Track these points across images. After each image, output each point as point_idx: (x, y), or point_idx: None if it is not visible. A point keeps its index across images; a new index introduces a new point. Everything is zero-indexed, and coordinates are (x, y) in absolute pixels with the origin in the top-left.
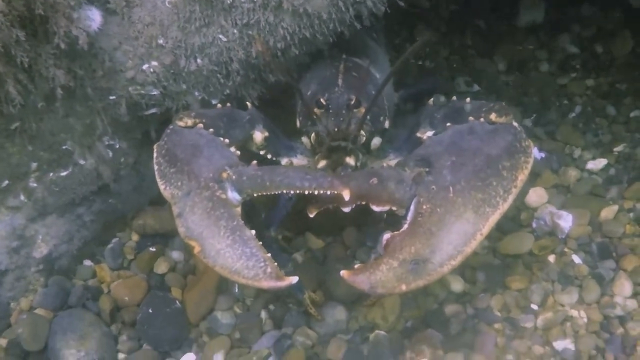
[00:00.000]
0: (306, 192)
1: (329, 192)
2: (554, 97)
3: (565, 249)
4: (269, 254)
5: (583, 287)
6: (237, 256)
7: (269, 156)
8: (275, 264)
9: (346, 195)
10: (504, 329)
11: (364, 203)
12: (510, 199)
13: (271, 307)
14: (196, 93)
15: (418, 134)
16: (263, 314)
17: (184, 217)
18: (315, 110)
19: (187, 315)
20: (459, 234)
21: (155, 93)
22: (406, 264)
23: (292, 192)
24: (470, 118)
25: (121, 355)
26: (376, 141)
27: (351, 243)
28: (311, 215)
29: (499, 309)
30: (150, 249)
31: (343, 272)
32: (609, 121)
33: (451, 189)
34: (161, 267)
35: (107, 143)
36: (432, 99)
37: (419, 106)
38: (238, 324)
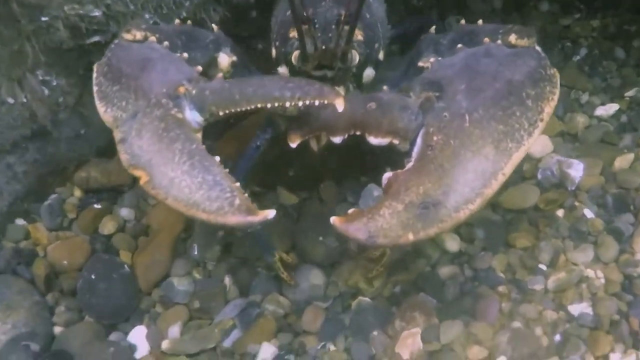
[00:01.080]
0: (287, 105)
1: (317, 103)
2: (556, 39)
3: (576, 203)
4: (238, 183)
5: (598, 243)
6: (196, 185)
7: None
8: (246, 194)
9: (340, 104)
10: (509, 292)
11: (358, 133)
12: (536, 133)
13: (237, 271)
14: (146, 15)
15: (420, 64)
16: (227, 280)
17: (129, 142)
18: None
19: (138, 281)
20: (476, 173)
21: (96, 14)
22: (413, 207)
23: (269, 105)
24: (486, 40)
25: (57, 329)
26: (369, 72)
27: (329, 199)
28: (293, 145)
29: (502, 270)
30: (95, 205)
31: (334, 219)
32: (618, 64)
33: (467, 117)
34: (107, 227)
35: (41, 78)
36: (433, 27)
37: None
38: (197, 291)
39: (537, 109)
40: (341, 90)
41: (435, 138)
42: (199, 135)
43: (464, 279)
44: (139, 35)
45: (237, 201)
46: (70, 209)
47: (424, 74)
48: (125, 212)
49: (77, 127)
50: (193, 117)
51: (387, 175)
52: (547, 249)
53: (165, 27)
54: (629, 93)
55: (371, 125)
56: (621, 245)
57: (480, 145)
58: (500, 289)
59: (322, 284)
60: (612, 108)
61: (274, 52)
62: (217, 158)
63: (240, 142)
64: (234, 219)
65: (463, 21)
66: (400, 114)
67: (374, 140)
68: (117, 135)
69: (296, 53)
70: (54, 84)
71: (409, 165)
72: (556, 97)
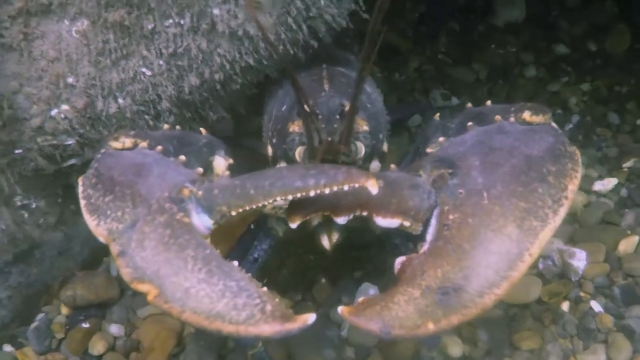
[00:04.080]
0: (312, 194)
1: (346, 187)
2: (545, 106)
3: (581, 294)
4: (265, 288)
5: (609, 343)
6: (218, 293)
7: None
8: (277, 299)
9: (373, 187)
10: None
11: (364, 213)
12: (562, 212)
13: None
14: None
15: (428, 150)
16: None
17: (129, 254)
18: (297, 123)
19: None
20: (500, 254)
21: (70, 143)
22: (432, 293)
23: (290, 197)
24: (497, 118)
25: None
26: (375, 165)
27: (323, 300)
28: (293, 225)
29: None
30: (83, 325)
31: (343, 310)
32: (613, 131)
33: (485, 194)
34: (97, 347)
35: (20, 204)
36: (437, 114)
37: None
38: None
39: (560, 186)
40: None
41: (451, 217)
42: (209, 241)
43: None
44: (128, 142)
45: (269, 307)
46: (58, 329)
47: (434, 152)
48: (114, 329)
49: (59, 245)
50: (201, 221)
51: (400, 259)
52: (555, 351)
53: (155, 133)
54: (627, 164)
55: (379, 204)
56: (634, 344)
57: (502, 223)
58: None
59: None
60: (610, 183)
61: (270, 150)
62: (236, 263)
63: (228, 236)
64: (268, 328)
65: (469, 104)
66: (410, 192)
67: (382, 221)
68: (115, 249)
69: (300, 149)
70: (33, 206)
71: (424, 247)
72: (579, 176)
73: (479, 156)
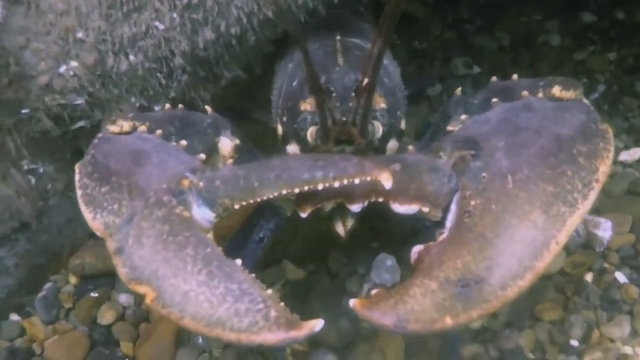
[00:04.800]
0: (320, 187)
1: (357, 181)
2: (571, 76)
3: (606, 265)
4: (269, 290)
5: (635, 314)
6: (219, 298)
7: None
8: (282, 303)
9: (387, 180)
10: None
11: (380, 200)
12: (592, 196)
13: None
14: (132, 99)
15: (449, 127)
16: None
17: (126, 252)
18: (308, 101)
19: None
20: (524, 243)
21: (79, 102)
22: (451, 285)
23: (297, 190)
24: (524, 93)
25: None
26: (392, 144)
27: (338, 271)
28: (303, 215)
29: (530, 349)
30: (92, 294)
31: (354, 303)
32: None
33: (509, 177)
34: (106, 317)
35: (27, 168)
36: (459, 89)
37: None
38: None
39: (591, 168)
40: None
41: (473, 202)
42: (211, 236)
43: None
44: (126, 125)
45: (273, 313)
46: (66, 298)
47: (456, 132)
48: (124, 299)
49: (67, 212)
50: (202, 214)
51: (417, 248)
52: (578, 322)
53: (155, 115)
54: None
55: (396, 190)
56: None
57: (527, 210)
58: None
59: None
60: (637, 153)
61: (280, 129)
62: (239, 261)
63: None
64: (272, 336)
65: (494, 78)
66: (429, 176)
67: (399, 207)
68: (111, 245)
69: (312, 129)
70: (41, 171)
71: (443, 235)
72: (611, 156)
73: (504, 136)
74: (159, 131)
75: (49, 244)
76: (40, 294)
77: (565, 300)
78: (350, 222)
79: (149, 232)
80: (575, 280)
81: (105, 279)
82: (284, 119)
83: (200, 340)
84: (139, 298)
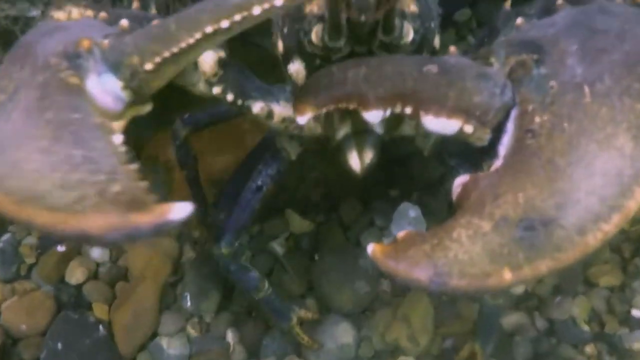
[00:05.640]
0: (256, 14)
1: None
2: None
3: None
4: (134, 165)
5: None
6: (52, 165)
7: (229, 97)
8: (145, 183)
9: None
10: (600, 353)
11: (408, 110)
12: None
13: (242, 325)
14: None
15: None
16: (230, 336)
17: None
18: (315, 2)
19: (117, 346)
20: (608, 176)
21: (34, 14)
22: (509, 227)
23: (225, 25)
24: None
25: None
26: None
27: (352, 223)
28: (301, 119)
29: (586, 320)
30: (58, 247)
31: (374, 250)
32: None
33: (587, 89)
34: (76, 275)
35: None
36: (507, 1)
37: None
38: (194, 354)
39: None
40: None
41: (538, 119)
42: (117, 126)
43: (537, 333)
44: (75, 12)
45: (116, 188)
46: (27, 252)
47: (511, 36)
48: (97, 254)
49: None
50: (105, 85)
51: (461, 180)
52: None
53: (117, 10)
54: None
55: (430, 96)
56: None
57: (611, 132)
58: (588, 349)
59: (352, 342)
60: None
61: (280, 46)
62: (119, 137)
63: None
64: (99, 219)
65: None
66: (476, 83)
67: (433, 122)
68: None
69: (317, 27)
70: None
71: (497, 164)
72: None
73: (577, 40)
74: (124, 22)
75: None
76: None
77: (623, 263)
78: (369, 154)
79: (21, 103)
80: (634, 238)
81: None
82: (285, 30)
83: (188, 303)
84: (117, 252)
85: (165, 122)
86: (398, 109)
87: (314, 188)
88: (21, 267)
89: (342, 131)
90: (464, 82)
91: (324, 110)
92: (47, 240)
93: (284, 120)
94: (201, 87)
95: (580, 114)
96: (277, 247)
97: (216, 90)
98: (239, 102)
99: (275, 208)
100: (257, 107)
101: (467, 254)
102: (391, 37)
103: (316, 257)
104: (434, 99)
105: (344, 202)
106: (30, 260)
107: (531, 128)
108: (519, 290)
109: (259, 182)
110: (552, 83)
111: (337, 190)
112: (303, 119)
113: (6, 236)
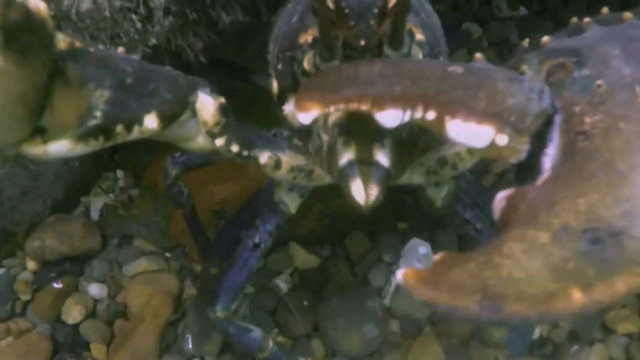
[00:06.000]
0: None
1: None
2: None
3: None
4: None
5: None
6: None
7: (234, 148)
8: None
9: None
10: None
11: (430, 115)
12: None
13: None
14: (99, 45)
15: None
16: None
17: None
18: (310, 31)
19: None
20: None
21: None
22: (572, 238)
23: None
24: (627, 16)
25: None
26: None
27: (359, 258)
28: (303, 117)
29: None
30: (54, 284)
31: (405, 275)
32: None
33: (637, 88)
34: (72, 313)
35: None
36: (526, 40)
37: None
38: None
39: None
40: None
41: (589, 120)
42: None
43: None
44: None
45: None
46: (22, 288)
47: (542, 47)
48: (95, 290)
49: (23, 183)
50: None
51: (505, 193)
52: None
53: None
54: None
55: (456, 98)
56: None
57: None
58: None
59: None
60: None
61: (274, 84)
62: None
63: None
64: None
65: (575, 19)
66: (509, 85)
67: (459, 129)
68: None
69: (310, 54)
70: None
71: (547, 174)
72: None
73: (617, 44)
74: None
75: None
76: None
77: None
78: (374, 189)
79: None
80: None
81: (71, 264)
82: (279, 66)
83: (189, 345)
84: (115, 287)
85: (164, 147)
86: (419, 113)
87: (318, 220)
88: (16, 304)
89: (346, 157)
90: (495, 84)
91: (332, 109)
92: (42, 277)
93: (292, 169)
94: (200, 141)
95: (636, 113)
96: (281, 283)
97: (219, 142)
98: (245, 153)
99: (280, 242)
100: (265, 156)
101: (524, 271)
102: (399, 53)
103: (322, 294)
104: (461, 100)
105: (350, 236)
106: (25, 296)
107: (583, 129)
108: (534, 335)
109: (257, 240)
110: (600, 82)
111: (342, 222)
112: (306, 118)
113: (1, 271)
